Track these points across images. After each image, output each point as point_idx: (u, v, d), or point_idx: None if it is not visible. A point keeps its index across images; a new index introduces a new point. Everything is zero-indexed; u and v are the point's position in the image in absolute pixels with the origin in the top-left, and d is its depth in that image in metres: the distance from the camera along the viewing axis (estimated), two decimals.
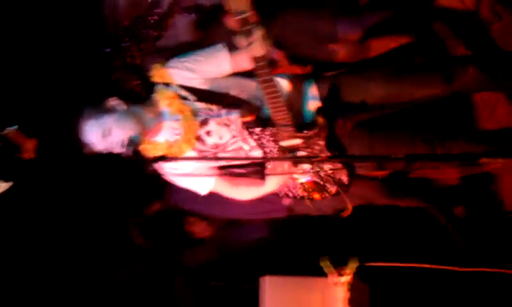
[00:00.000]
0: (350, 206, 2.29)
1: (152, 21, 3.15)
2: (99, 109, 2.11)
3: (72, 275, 2.97)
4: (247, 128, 2.17)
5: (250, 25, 1.75)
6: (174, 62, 2.19)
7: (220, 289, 3.10)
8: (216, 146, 2.24)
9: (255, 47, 1.82)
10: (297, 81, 2.24)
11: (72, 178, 2.76)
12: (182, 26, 3.10)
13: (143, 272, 3.18)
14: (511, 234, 2.55)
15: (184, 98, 2.18)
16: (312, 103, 2.24)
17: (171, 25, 3.12)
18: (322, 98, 2.24)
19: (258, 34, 1.80)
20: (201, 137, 2.21)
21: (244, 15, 1.70)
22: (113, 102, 2.13)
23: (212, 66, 2.18)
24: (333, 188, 2.31)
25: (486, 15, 2.80)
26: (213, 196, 2.46)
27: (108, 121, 2.05)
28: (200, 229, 3.28)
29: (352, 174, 2.27)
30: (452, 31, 2.88)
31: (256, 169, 2.05)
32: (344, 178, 2.27)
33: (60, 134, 2.20)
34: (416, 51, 2.89)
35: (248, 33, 1.78)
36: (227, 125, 2.22)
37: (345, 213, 2.32)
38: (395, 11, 2.86)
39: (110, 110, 2.10)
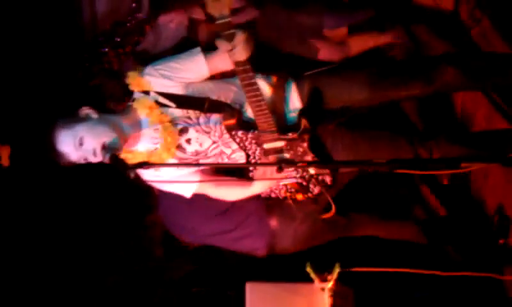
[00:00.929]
0: (333, 207, 2.29)
1: (130, 26, 3.12)
2: (71, 118, 2.07)
3: (53, 286, 2.92)
4: (229, 132, 2.15)
5: (232, 29, 1.74)
6: (149, 70, 2.16)
7: (204, 295, 3.07)
8: (197, 153, 2.22)
9: (237, 51, 1.81)
10: (279, 83, 2.23)
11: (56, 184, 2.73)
12: (162, 30, 3.08)
13: (124, 280, 3.14)
14: (493, 237, 2.57)
15: (163, 106, 2.15)
16: (294, 105, 2.24)
17: (152, 29, 3.09)
18: (303, 99, 2.24)
19: (240, 38, 1.78)
20: (181, 146, 2.19)
21: (224, 20, 1.69)
22: (86, 110, 2.09)
23: (189, 72, 2.16)
24: (316, 189, 2.30)
25: (465, 19, 2.84)
26: (192, 218, 2.45)
27: (80, 130, 2.02)
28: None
29: (335, 176, 2.27)
30: (432, 31, 2.91)
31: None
32: (327, 179, 2.27)
33: (35, 143, 2.16)
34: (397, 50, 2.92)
35: (230, 37, 1.77)
36: (207, 132, 2.20)
37: (330, 213, 2.31)
38: (376, 9, 2.88)
39: (82, 119, 2.07)
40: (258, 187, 2.32)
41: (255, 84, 1.94)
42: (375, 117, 2.40)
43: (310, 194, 2.34)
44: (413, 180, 3.01)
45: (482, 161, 2.03)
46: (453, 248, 2.67)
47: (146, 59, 2.78)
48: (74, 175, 2.25)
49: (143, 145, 2.19)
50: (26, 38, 2.80)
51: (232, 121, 2.11)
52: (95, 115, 2.09)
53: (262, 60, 2.46)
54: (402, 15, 2.99)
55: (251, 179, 2.28)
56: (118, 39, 3.10)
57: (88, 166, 2.07)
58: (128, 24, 3.10)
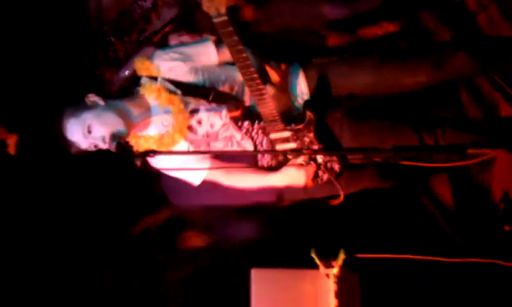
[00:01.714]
0: (342, 194, 2.29)
1: (136, 14, 3.13)
2: (78, 106, 2.08)
3: (58, 275, 2.94)
4: (236, 123, 2.16)
5: (230, 27, 1.72)
6: (159, 53, 2.17)
7: (208, 282, 3.09)
8: (208, 135, 2.22)
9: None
10: (285, 72, 2.23)
11: (58, 175, 2.74)
12: (167, 19, 3.08)
13: (129, 270, 3.15)
14: (499, 224, 2.57)
15: (171, 92, 2.16)
16: (301, 94, 2.24)
17: (157, 17, 3.10)
18: (311, 87, 2.24)
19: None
20: (192, 127, 2.19)
21: (221, 18, 1.67)
22: (92, 97, 2.10)
23: (198, 55, 2.17)
24: (324, 176, 2.31)
25: (471, 7, 2.82)
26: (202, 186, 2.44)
27: (88, 117, 2.02)
28: (194, 243, 3.25)
29: (343, 163, 2.27)
30: (439, 18, 2.89)
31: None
32: (336, 166, 2.27)
33: (44, 132, 2.17)
34: (404, 38, 2.90)
35: (229, 35, 1.75)
36: (218, 113, 2.20)
37: (337, 201, 2.32)
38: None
39: (89, 107, 2.07)
40: (278, 179, 2.29)
41: (257, 78, 1.93)
42: (381, 106, 2.39)
43: (319, 181, 2.35)
44: (418, 168, 3.00)
45: (488, 147, 2.02)
46: (459, 234, 2.68)
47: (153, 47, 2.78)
48: (79, 164, 2.25)
49: (154, 129, 2.19)
50: (33, 27, 2.80)
51: (237, 113, 2.12)
52: (101, 102, 2.09)
53: (270, 48, 2.46)
54: (409, 1, 2.98)
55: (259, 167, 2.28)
56: (124, 28, 3.10)
57: (94, 155, 2.08)
58: (133, 13, 3.11)
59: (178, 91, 2.15)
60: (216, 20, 1.67)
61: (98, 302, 2.99)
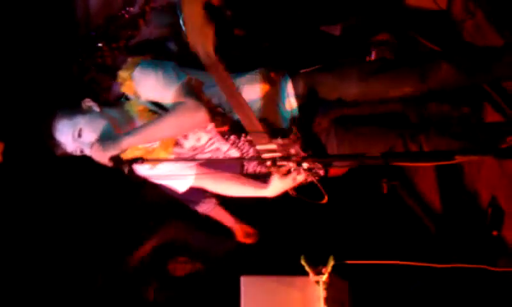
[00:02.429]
0: (326, 196, 2.30)
1: (124, 20, 3.11)
2: (73, 109, 2.08)
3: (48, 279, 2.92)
4: (222, 136, 2.16)
5: (213, 58, 1.72)
6: (137, 73, 2.11)
7: (200, 289, 3.09)
8: (194, 149, 2.22)
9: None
10: (276, 79, 2.23)
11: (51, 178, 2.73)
12: (156, 25, 3.07)
13: (121, 276, 3.14)
14: (487, 229, 2.58)
15: (154, 112, 2.14)
16: (288, 102, 2.24)
17: (145, 23, 3.09)
18: (298, 96, 2.24)
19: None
20: (178, 142, 2.19)
21: (210, 60, 1.67)
22: (88, 103, 2.10)
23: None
24: (309, 178, 2.31)
25: (458, 14, 2.84)
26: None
27: (80, 121, 2.02)
28: (184, 271, 3.24)
29: (328, 169, 2.28)
30: (425, 29, 2.91)
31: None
32: (320, 171, 2.28)
33: (30, 136, 2.16)
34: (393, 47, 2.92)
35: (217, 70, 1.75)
36: (203, 127, 2.19)
37: (321, 202, 2.32)
38: (369, 11, 2.89)
39: (83, 111, 2.07)
40: (268, 193, 2.30)
41: (240, 97, 1.93)
42: (367, 112, 2.40)
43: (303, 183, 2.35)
44: (406, 173, 3.03)
45: (475, 153, 2.03)
46: (447, 239, 2.70)
47: (140, 53, 2.77)
48: (68, 168, 2.24)
49: None
50: (20, 33, 2.79)
51: (224, 128, 2.12)
52: (96, 108, 2.10)
53: (257, 59, 2.46)
54: (396, 11, 3.00)
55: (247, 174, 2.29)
56: (111, 34, 3.09)
57: (81, 161, 2.08)
58: (121, 18, 3.09)
59: (162, 111, 2.13)
60: (204, 62, 1.67)
61: None
